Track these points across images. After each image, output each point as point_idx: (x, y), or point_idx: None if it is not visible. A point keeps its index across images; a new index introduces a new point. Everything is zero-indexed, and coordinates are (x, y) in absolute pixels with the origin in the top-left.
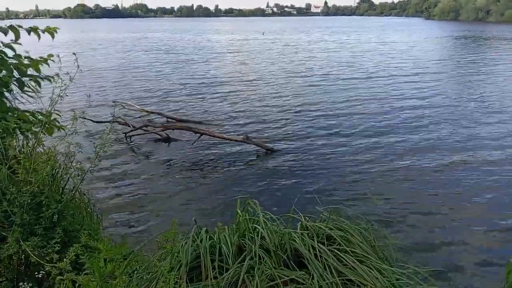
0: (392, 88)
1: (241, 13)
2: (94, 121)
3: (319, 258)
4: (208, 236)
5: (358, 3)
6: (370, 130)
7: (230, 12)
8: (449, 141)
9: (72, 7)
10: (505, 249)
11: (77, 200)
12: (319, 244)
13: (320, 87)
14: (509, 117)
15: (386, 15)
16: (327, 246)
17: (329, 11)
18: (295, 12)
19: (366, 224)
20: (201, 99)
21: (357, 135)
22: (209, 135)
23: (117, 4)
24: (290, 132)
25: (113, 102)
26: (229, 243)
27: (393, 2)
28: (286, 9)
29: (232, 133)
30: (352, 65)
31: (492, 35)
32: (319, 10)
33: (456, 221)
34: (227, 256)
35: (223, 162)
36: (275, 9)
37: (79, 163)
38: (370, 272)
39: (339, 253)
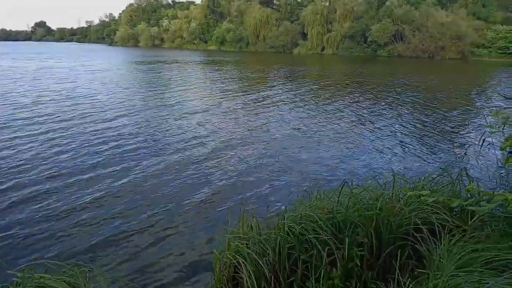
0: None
1: None
2: None
3: None
4: None
5: (32, 27)
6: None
7: None
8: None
9: None
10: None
11: None
12: None
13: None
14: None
15: (67, 41)
16: None
17: None
18: None
19: (71, 270)
20: None
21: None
22: None
23: None
24: None
25: None
26: None
27: (72, 28)
28: None
29: None
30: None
31: (170, 59)
32: None
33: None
34: None
35: None
36: None
37: None
38: None
39: None
